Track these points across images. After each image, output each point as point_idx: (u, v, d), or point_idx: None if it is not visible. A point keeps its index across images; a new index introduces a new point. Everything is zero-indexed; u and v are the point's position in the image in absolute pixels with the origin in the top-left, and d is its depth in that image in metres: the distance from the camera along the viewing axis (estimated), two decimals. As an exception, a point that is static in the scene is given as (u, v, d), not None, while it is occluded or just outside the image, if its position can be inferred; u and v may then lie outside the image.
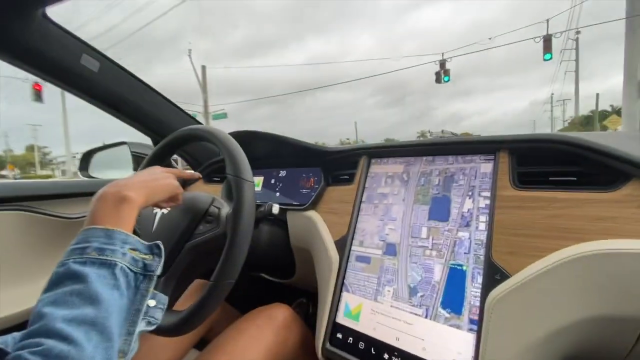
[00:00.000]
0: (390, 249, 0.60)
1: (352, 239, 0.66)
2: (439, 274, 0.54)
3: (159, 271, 0.38)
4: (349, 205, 0.68)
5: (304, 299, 1.11)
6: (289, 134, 0.82)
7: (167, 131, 0.90)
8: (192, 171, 0.58)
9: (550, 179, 0.51)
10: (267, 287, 0.97)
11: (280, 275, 0.88)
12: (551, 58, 8.53)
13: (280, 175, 0.90)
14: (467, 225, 0.54)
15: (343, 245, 0.66)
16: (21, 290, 0.71)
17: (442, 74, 10.50)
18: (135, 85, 0.81)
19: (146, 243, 0.39)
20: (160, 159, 0.65)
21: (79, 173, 1.12)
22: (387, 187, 0.66)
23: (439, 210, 0.57)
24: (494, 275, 0.48)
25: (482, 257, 0.51)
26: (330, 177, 0.78)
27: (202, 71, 14.50)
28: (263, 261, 0.80)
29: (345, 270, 0.64)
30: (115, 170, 1.26)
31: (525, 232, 0.48)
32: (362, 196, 0.68)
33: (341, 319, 0.60)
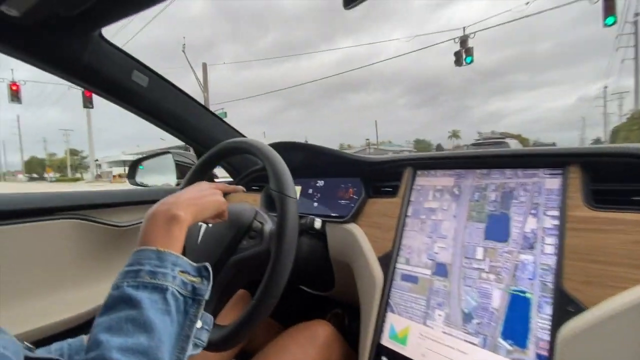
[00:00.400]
0: (441, 269, 0.56)
1: (397, 255, 0.62)
2: (498, 300, 0.49)
3: (207, 295, 0.37)
4: (393, 220, 0.65)
5: (339, 309, 1.09)
6: (316, 136, 0.83)
7: (210, 142, 0.92)
8: (235, 185, 0.58)
9: (632, 198, 0.45)
10: (304, 297, 0.95)
11: (318, 287, 0.86)
12: (615, 22, 6.34)
13: (318, 185, 0.88)
14: (531, 247, 0.49)
15: (387, 262, 0.62)
16: (76, 294, 0.75)
17: (462, 53, 8.12)
18: (180, 98, 0.83)
19: (195, 265, 0.38)
20: (204, 171, 0.66)
21: (127, 181, 1.18)
22: (435, 202, 0.62)
23: (497, 229, 0.53)
24: (565, 307, 0.43)
25: (550, 285, 0.45)
26: (370, 189, 0.75)
27: (203, 69, 13.21)
28: (302, 273, 0.78)
29: (389, 289, 0.60)
30: (160, 177, 1.32)
31: (603, 259, 0.43)
32: (407, 210, 0.64)
33: (386, 341, 0.57)
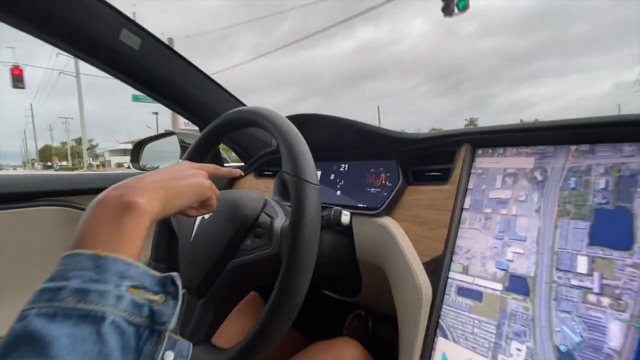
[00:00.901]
0: (518, 284, 0.40)
1: (451, 261, 0.47)
2: (618, 337, 0.33)
3: (173, 323, 0.24)
4: (443, 214, 0.49)
5: (362, 310, 0.95)
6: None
7: (213, 116, 0.78)
8: (231, 169, 0.44)
9: None
10: (322, 299, 0.82)
11: (341, 292, 0.72)
12: (465, 6, 5.67)
13: (341, 169, 0.73)
14: (677, 260, 0.32)
15: (437, 269, 0.47)
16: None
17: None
18: (179, 65, 0.70)
19: (157, 275, 0.25)
20: (204, 151, 0.53)
21: (131, 165, 1.07)
22: (505, 190, 0.45)
23: (611, 230, 0.36)
24: None
25: None
26: (410, 174, 0.59)
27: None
28: (323, 275, 0.64)
29: (440, 306, 0.45)
30: (165, 161, 1.20)
31: None
32: (463, 201, 0.48)
33: (436, 377, 0.42)
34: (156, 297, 0.24)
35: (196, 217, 0.48)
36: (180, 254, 0.49)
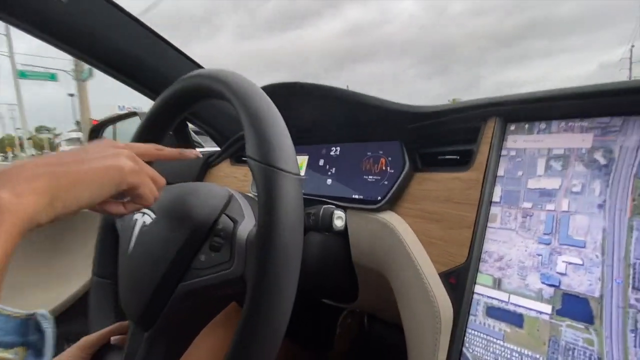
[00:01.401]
0: (576, 307, 0.29)
1: (477, 272, 0.36)
2: None
3: None
4: (466, 209, 0.38)
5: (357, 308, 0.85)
6: None
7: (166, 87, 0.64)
8: (185, 149, 0.31)
9: None
10: (313, 303, 0.71)
11: (334, 299, 0.62)
12: None
13: (332, 153, 0.61)
14: None
15: (459, 282, 0.36)
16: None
17: None
18: (121, 21, 0.55)
19: (15, 315, 0.16)
20: (154, 133, 0.40)
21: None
22: (552, 178, 0.34)
23: None
24: None
25: None
26: (418, 157, 0.47)
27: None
28: (312, 282, 0.53)
29: (465, 330, 0.35)
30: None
31: None
32: (492, 192, 0.37)
33: None
34: (11, 356, 0.16)
35: (132, 219, 0.35)
36: (119, 271, 0.37)
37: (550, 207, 0.33)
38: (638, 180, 0.29)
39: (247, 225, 0.31)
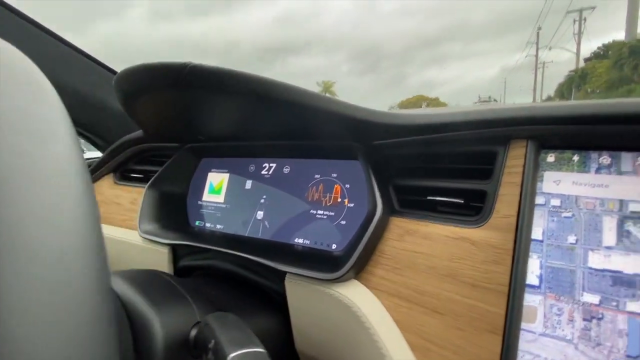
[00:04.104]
0: None
1: (510, 413, 0.21)
2: None
3: None
4: (487, 296, 0.23)
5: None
6: None
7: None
8: None
9: None
10: None
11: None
12: None
13: (264, 172, 0.42)
14: None
15: None
16: None
17: None
18: None
19: None
20: None
21: None
22: (631, 255, 0.20)
23: None
24: None
25: None
26: (394, 193, 0.31)
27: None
28: None
29: None
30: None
31: None
32: (524, 269, 0.22)
33: None
34: None
35: None
36: None
37: (633, 307, 0.19)
38: None
39: None
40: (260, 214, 0.40)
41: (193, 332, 0.23)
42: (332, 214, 0.35)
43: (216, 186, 0.46)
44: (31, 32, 0.53)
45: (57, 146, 0.11)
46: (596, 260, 0.21)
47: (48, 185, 0.10)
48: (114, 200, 0.49)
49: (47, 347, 0.08)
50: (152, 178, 0.44)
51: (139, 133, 0.48)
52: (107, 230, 0.47)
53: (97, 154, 0.65)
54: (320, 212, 0.36)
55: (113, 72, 0.61)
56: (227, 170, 0.45)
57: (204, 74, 0.25)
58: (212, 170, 0.46)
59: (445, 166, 0.28)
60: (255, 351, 0.18)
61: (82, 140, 0.65)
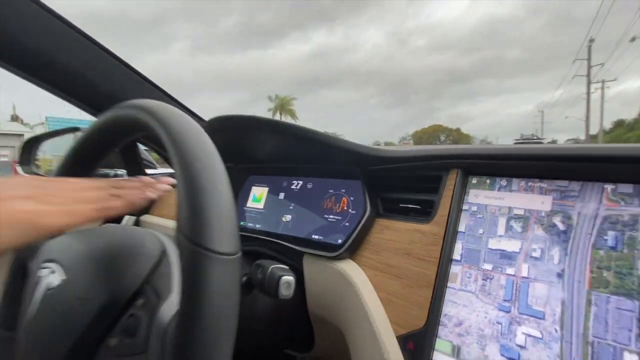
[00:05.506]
0: (536, 387, 0.27)
1: (436, 337, 0.33)
2: None
3: None
4: (427, 266, 0.36)
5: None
6: None
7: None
8: (145, 189, 0.26)
9: None
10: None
11: (290, 347, 0.57)
12: None
13: (293, 187, 0.57)
14: None
15: (417, 348, 0.33)
16: None
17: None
18: (59, 31, 0.48)
19: None
20: (84, 164, 0.34)
21: (18, 168, 0.82)
22: (512, 240, 0.32)
23: (677, 320, 0.24)
24: None
25: None
26: (380, 202, 0.45)
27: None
28: (264, 338, 0.48)
29: (422, 404, 0.32)
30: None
31: None
32: (452, 249, 0.35)
33: None
34: None
35: (37, 276, 0.29)
36: (19, 333, 0.30)
37: (510, 271, 0.32)
38: (596, 251, 0.28)
39: (172, 304, 0.26)
40: (288, 217, 0.56)
41: (243, 279, 0.37)
42: (340, 218, 0.49)
43: (258, 197, 0.62)
44: (101, 56, 0.57)
45: None
46: (493, 243, 0.33)
47: None
48: (167, 202, 0.67)
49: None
50: None
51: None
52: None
53: (168, 169, 0.85)
54: (331, 216, 0.51)
55: (173, 98, 0.74)
56: (266, 185, 0.61)
57: (262, 122, 0.42)
58: (256, 184, 0.63)
59: (412, 184, 0.42)
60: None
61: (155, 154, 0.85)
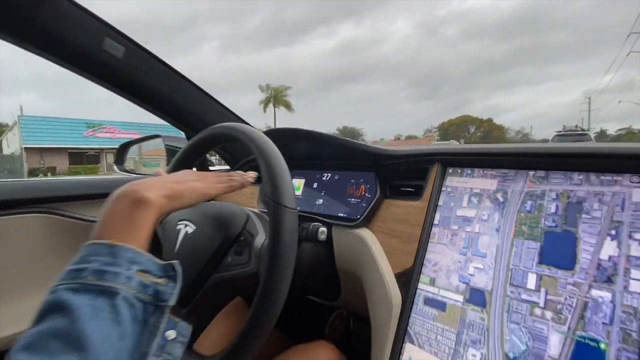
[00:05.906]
0: (477, 297, 0.44)
1: (420, 273, 0.50)
2: (557, 346, 0.37)
3: (173, 301, 0.29)
4: (415, 228, 0.53)
5: (344, 310, 0.99)
6: (313, 128, 0.68)
7: (201, 126, 0.80)
8: (242, 174, 0.46)
9: None
10: (305, 302, 0.85)
11: (322, 296, 0.76)
12: None
13: (324, 178, 0.76)
14: (609, 281, 0.36)
15: (407, 280, 0.51)
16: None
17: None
18: (163, 72, 0.70)
19: (160, 262, 0.30)
20: (190, 159, 0.55)
21: (115, 167, 1.07)
22: (471, 209, 0.49)
23: (558, 251, 0.40)
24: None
25: (636, 336, 0.33)
26: (387, 188, 0.63)
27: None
28: (304, 284, 0.68)
29: (409, 315, 0.49)
30: (150, 164, 1.20)
31: None
32: (433, 217, 0.52)
33: (403, 379, 0.46)
34: (159, 280, 0.29)
35: (179, 229, 0.50)
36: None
37: (468, 229, 0.48)
38: (519, 214, 0.44)
39: (260, 238, 0.45)
40: (320, 201, 0.74)
41: None
42: (359, 200, 0.67)
43: (297, 186, 0.81)
44: (182, 83, 0.80)
45: None
46: (459, 212, 0.50)
47: None
48: (240, 192, 0.88)
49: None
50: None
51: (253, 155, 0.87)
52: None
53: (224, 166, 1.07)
54: (353, 199, 0.69)
55: (229, 110, 0.98)
56: (303, 178, 0.81)
57: (302, 132, 0.61)
58: (295, 177, 0.82)
59: (408, 174, 0.59)
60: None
61: (217, 156, 1.07)
